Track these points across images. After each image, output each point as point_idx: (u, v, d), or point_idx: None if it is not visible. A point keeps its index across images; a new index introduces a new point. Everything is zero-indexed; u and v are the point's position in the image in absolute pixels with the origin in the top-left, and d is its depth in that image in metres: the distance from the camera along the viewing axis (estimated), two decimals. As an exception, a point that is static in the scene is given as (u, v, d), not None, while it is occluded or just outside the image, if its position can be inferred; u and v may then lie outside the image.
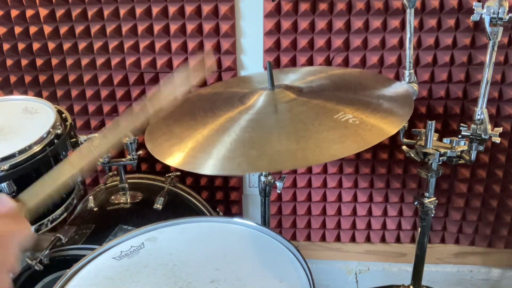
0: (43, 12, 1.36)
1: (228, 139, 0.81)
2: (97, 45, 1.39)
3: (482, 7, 0.92)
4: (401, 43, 1.30)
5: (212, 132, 0.85)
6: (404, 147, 1.13)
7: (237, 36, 1.36)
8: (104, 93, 1.46)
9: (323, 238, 1.62)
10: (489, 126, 1.01)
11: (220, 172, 0.76)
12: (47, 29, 1.38)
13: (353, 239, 1.61)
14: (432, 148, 1.06)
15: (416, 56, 1.31)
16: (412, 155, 1.10)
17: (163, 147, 0.87)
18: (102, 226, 1.18)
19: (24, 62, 1.44)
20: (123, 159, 1.27)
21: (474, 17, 0.93)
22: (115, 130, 0.62)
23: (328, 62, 1.35)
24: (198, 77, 0.77)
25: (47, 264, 1.07)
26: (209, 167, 0.76)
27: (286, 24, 1.31)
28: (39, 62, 1.43)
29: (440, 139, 1.08)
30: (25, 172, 0.97)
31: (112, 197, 1.29)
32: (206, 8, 1.31)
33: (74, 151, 0.55)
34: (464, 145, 1.05)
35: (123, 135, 0.64)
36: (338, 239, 1.61)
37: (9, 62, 1.44)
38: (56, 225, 1.10)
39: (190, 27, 1.34)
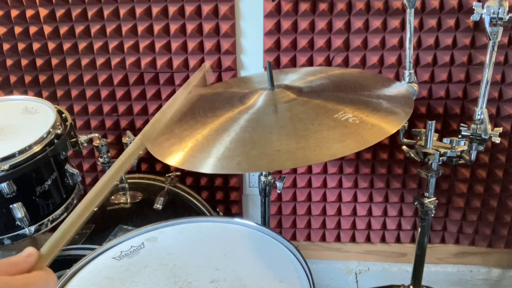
0: (43, 12, 1.36)
1: (228, 139, 0.81)
2: (97, 45, 1.39)
3: (482, 7, 0.92)
4: (401, 43, 1.30)
5: (212, 131, 0.85)
6: (404, 147, 1.13)
7: (237, 36, 1.36)
8: (104, 93, 1.46)
9: (323, 238, 1.62)
10: (489, 126, 1.01)
11: (220, 171, 0.76)
12: (47, 29, 1.38)
13: (353, 239, 1.61)
14: (432, 148, 1.06)
15: (416, 56, 1.31)
16: (412, 155, 1.10)
17: (163, 147, 0.87)
18: (102, 226, 1.18)
19: (24, 62, 1.44)
20: (123, 159, 1.27)
21: (474, 17, 0.93)
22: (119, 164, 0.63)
23: (328, 62, 1.35)
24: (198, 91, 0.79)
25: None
26: (208, 166, 0.76)
27: (286, 24, 1.31)
28: (39, 62, 1.43)
29: (440, 139, 1.08)
30: (25, 172, 0.97)
31: (112, 197, 1.29)
32: (206, 8, 1.31)
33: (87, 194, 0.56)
34: (464, 145, 1.05)
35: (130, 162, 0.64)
36: (338, 239, 1.61)
37: (9, 62, 1.44)
38: (56, 225, 1.10)
39: (190, 27, 1.34)
